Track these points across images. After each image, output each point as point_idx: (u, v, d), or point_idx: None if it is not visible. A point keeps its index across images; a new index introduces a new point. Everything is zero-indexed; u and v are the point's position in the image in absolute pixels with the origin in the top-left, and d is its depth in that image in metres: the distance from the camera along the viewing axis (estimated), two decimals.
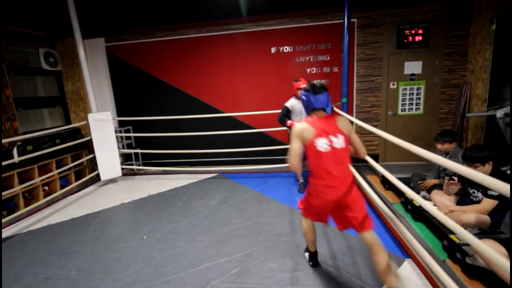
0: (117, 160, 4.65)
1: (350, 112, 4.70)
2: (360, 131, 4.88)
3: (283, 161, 4.70)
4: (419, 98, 4.65)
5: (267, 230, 2.86)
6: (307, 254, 2.31)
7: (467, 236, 1.22)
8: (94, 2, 4.33)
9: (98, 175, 4.64)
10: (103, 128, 4.48)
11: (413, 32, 4.45)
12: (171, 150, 4.80)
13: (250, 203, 3.51)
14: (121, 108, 5.43)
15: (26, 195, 4.00)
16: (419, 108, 4.67)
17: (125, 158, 5.44)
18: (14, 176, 3.75)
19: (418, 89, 4.63)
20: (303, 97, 1.93)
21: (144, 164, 5.40)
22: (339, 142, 1.78)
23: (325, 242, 2.57)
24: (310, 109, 1.91)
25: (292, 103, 3.64)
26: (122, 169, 4.81)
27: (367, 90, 4.74)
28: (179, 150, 4.77)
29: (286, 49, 4.80)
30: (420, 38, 4.45)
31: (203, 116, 4.66)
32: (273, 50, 4.83)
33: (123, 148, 5.21)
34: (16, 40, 4.61)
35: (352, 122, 4.62)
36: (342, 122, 1.85)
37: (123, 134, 5.00)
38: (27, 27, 4.65)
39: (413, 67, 4.58)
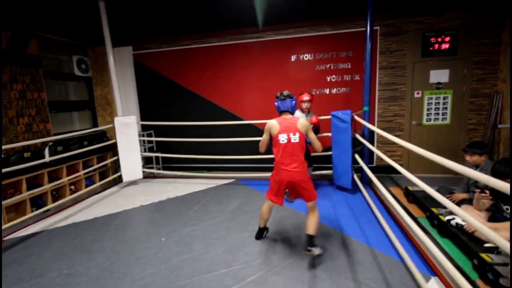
0: (139, 163, 4.79)
1: (372, 121, 4.58)
2: (382, 141, 4.73)
3: None
4: (446, 108, 4.45)
5: (284, 239, 2.80)
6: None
7: None
8: (124, 12, 4.56)
9: (120, 176, 4.79)
10: (127, 131, 4.64)
11: (439, 39, 4.30)
12: (190, 155, 4.88)
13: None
14: (145, 113, 5.61)
15: (54, 193, 4.19)
16: (445, 118, 4.47)
17: (146, 162, 5.59)
18: (44, 175, 3.95)
19: (444, 98, 4.44)
20: (275, 103, 2.52)
21: (163, 168, 5.52)
22: (295, 138, 2.36)
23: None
24: (279, 111, 2.53)
25: (297, 114, 3.78)
26: (143, 172, 4.95)
27: (389, 99, 4.60)
28: (198, 156, 4.84)
29: (306, 57, 4.79)
30: (447, 45, 4.29)
31: (222, 122, 4.71)
32: (293, 58, 4.84)
33: (145, 151, 5.36)
34: (52, 48, 4.93)
35: (373, 132, 4.51)
36: (301, 123, 2.39)
37: (146, 138, 5.15)
38: (63, 35, 4.97)
39: (439, 75, 4.41)
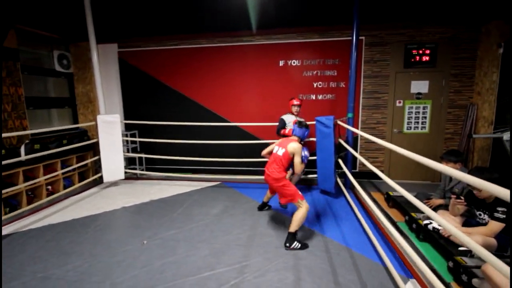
0: (122, 163, 4.68)
1: (355, 127, 4.72)
2: (365, 147, 4.88)
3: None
4: (425, 117, 4.67)
5: (268, 241, 2.83)
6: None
7: (485, 254, 1.21)
8: (110, 8, 4.47)
9: (101, 177, 4.66)
10: (110, 130, 4.53)
11: (420, 52, 4.52)
12: (175, 157, 4.83)
13: (252, 214, 3.49)
14: (129, 113, 5.50)
15: (30, 193, 4.01)
16: (424, 127, 4.68)
17: (129, 162, 5.46)
18: (19, 174, 3.78)
19: (424, 108, 4.65)
20: (296, 128, 2.99)
21: (147, 169, 5.41)
22: (280, 152, 2.90)
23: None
24: (294, 133, 3.02)
25: (287, 116, 4.09)
26: (125, 172, 4.83)
27: (373, 107, 4.77)
28: (183, 157, 4.79)
29: (294, 62, 4.89)
30: (427, 58, 4.51)
31: (208, 124, 4.71)
32: (281, 63, 4.92)
33: (128, 152, 5.24)
34: (31, 41, 4.74)
35: (356, 138, 4.65)
36: (291, 146, 2.85)
37: (129, 138, 5.04)
38: (43, 29, 4.79)
39: (419, 86, 4.62)
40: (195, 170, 5.34)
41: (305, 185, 4.62)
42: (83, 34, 4.54)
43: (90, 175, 5.08)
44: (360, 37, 4.48)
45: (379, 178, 2.53)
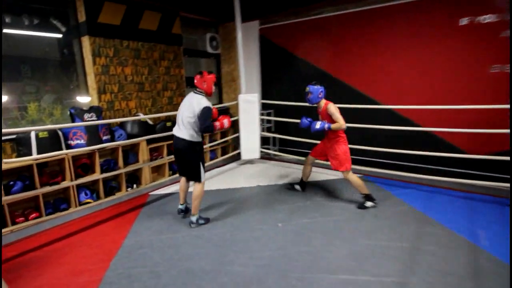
0: (258, 142, 5.21)
1: None
2: None
3: (460, 174, 3.91)
4: None
5: (430, 262, 2.44)
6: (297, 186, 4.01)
7: None
8: None
9: (239, 154, 5.36)
10: (249, 109, 5.09)
11: None
12: (309, 139, 4.90)
13: (406, 221, 3.12)
14: (266, 91, 5.99)
15: None
16: None
17: (263, 142, 6.01)
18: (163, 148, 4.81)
19: None
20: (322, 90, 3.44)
21: (280, 150, 5.80)
22: None
23: None
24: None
25: None
26: (260, 151, 5.36)
27: None
28: (318, 141, 4.79)
29: (486, 18, 3.82)
30: None
31: (352, 106, 4.45)
32: (463, 21, 3.96)
33: (263, 131, 5.76)
34: (190, 27, 5.86)
35: None
36: None
37: (265, 117, 5.51)
38: (201, 13, 5.80)
39: None
40: None
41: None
42: (230, 14, 5.20)
43: (230, 150, 5.95)
44: None
45: None
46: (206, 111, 2.89)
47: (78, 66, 4.24)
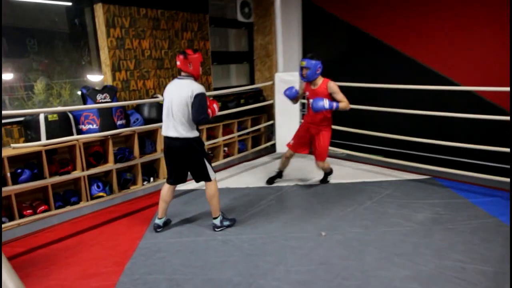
0: None
1: None
2: None
3: None
4: None
5: None
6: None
7: None
8: None
9: (273, 145, 5.35)
10: None
11: None
12: (362, 131, 4.77)
13: (489, 238, 2.92)
14: None
15: (209, 152, 5.22)
16: None
17: None
18: (203, 132, 4.95)
19: None
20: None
21: None
22: None
23: None
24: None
25: None
26: None
27: None
28: (374, 132, 4.66)
29: None
30: None
31: (421, 87, 4.24)
32: None
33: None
34: None
35: None
36: None
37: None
38: None
39: None
40: (390, 153, 5.07)
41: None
42: None
43: (262, 141, 5.96)
44: None
45: None
46: (201, 99, 2.83)
47: (90, 38, 4.43)
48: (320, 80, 3.63)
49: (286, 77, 5.05)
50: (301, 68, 3.55)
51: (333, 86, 3.56)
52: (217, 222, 3.17)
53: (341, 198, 3.81)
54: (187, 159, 3.02)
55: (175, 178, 3.15)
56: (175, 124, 2.88)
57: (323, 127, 3.77)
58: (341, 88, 4.46)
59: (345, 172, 4.65)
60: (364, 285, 2.37)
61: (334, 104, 3.45)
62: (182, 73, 2.95)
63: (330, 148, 5.30)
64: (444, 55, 4.51)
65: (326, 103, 3.40)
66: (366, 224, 3.21)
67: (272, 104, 5.30)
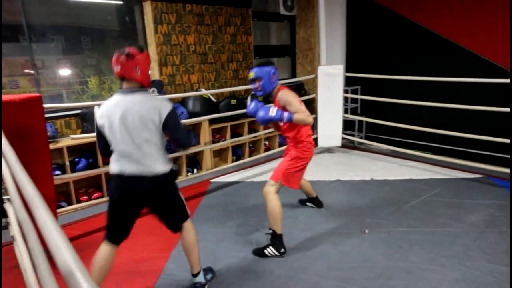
0: (340, 127, 5.09)
1: None
2: None
3: None
4: None
5: None
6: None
7: None
8: None
9: (315, 139, 5.30)
10: (331, 85, 4.97)
11: None
12: (409, 125, 4.60)
13: None
14: (352, 63, 5.74)
15: (251, 145, 5.30)
16: None
17: (345, 126, 5.81)
18: (245, 125, 5.04)
19: None
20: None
21: (367, 138, 5.57)
22: None
23: None
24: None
25: None
26: (342, 138, 5.22)
27: None
28: (421, 128, 4.47)
29: None
30: None
31: (472, 80, 4.00)
32: None
33: (346, 113, 5.56)
34: None
35: None
36: None
37: (350, 95, 5.30)
38: None
39: None
40: (438, 149, 4.86)
41: None
42: None
43: None
44: None
45: None
46: (176, 116, 2.18)
47: (139, 35, 4.64)
48: (276, 89, 2.72)
49: (330, 70, 4.97)
50: (252, 81, 2.71)
51: (284, 95, 2.61)
52: (201, 279, 2.36)
53: (385, 195, 3.72)
54: (160, 201, 2.20)
55: (121, 234, 2.20)
56: (140, 156, 2.01)
57: (289, 147, 2.92)
58: (390, 82, 4.31)
59: (390, 169, 4.52)
60: (410, 286, 2.32)
61: (286, 114, 2.50)
62: (127, 84, 2.03)
63: (374, 143, 5.21)
64: (502, 45, 4.21)
65: (273, 112, 2.52)
66: (412, 223, 3.12)
67: (314, 98, 5.24)
